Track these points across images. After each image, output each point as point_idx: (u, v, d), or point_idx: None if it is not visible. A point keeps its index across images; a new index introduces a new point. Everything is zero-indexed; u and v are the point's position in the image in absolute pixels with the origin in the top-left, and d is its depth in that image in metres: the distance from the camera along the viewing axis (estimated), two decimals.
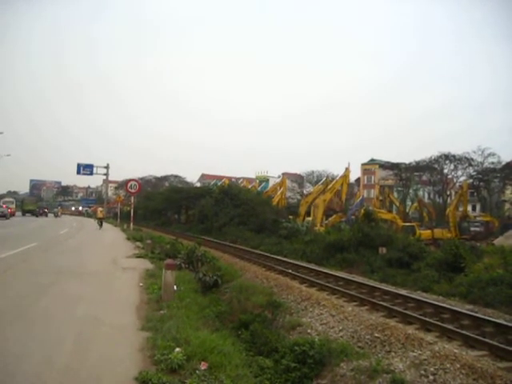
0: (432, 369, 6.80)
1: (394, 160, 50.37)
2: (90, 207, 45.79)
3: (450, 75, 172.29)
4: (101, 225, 30.69)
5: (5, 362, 4.19)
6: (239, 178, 64.50)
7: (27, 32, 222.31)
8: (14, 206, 53.71)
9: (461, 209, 38.20)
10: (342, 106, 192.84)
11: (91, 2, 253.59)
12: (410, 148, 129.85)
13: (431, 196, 50.73)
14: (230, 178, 62.42)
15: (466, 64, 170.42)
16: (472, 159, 43.21)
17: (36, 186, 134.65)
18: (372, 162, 62.15)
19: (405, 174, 47.81)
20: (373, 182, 59.96)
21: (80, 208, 56.70)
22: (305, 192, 56.13)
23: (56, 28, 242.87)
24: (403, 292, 12.59)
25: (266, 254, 22.32)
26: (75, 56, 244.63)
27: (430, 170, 46.14)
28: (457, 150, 58.89)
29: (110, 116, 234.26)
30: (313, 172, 61.11)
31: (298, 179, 64.03)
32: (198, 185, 70.70)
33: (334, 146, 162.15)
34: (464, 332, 8.22)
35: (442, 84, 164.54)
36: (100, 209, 36.39)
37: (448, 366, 6.76)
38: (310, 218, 35.89)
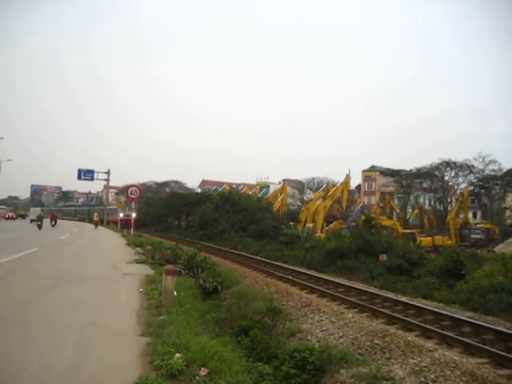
0: (432, 376, 6.79)
1: (395, 167, 50.40)
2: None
3: (452, 82, 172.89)
4: (96, 226, 39.85)
5: (6, 366, 4.21)
6: (240, 184, 64.46)
7: (26, 37, 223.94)
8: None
9: (461, 216, 38.14)
10: (342, 113, 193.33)
11: (90, 8, 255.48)
12: (410, 155, 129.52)
13: (432, 203, 50.59)
14: (230, 184, 62.46)
15: (468, 71, 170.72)
16: (473, 166, 43.13)
17: (37, 191, 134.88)
18: (373, 168, 62.18)
19: (405, 180, 47.78)
20: (373, 189, 60.00)
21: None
22: (305, 198, 56.13)
23: (55, 33, 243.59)
24: (403, 299, 12.57)
25: (267, 260, 22.30)
26: (75, 62, 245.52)
27: (431, 176, 46.10)
28: (458, 156, 58.79)
29: (111, 122, 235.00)
30: (313, 178, 61.05)
31: (299, 185, 64.03)
32: (199, 191, 70.71)
33: (335, 153, 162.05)
34: (464, 339, 8.21)
35: (443, 91, 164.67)
36: (96, 213, 45.45)
37: (448, 373, 6.76)
38: (310, 225, 35.90)
